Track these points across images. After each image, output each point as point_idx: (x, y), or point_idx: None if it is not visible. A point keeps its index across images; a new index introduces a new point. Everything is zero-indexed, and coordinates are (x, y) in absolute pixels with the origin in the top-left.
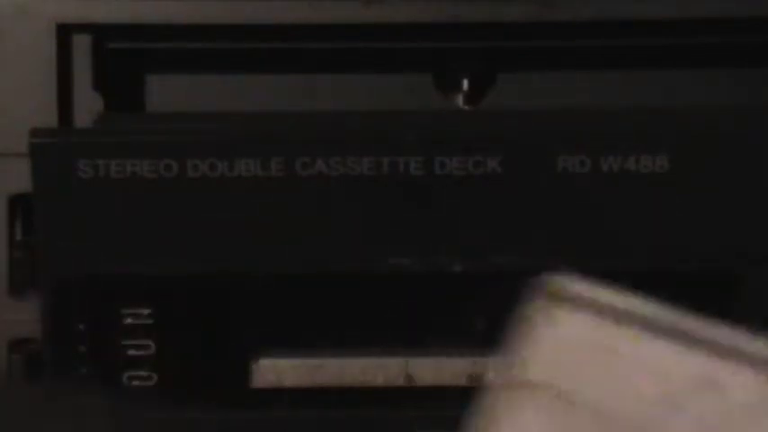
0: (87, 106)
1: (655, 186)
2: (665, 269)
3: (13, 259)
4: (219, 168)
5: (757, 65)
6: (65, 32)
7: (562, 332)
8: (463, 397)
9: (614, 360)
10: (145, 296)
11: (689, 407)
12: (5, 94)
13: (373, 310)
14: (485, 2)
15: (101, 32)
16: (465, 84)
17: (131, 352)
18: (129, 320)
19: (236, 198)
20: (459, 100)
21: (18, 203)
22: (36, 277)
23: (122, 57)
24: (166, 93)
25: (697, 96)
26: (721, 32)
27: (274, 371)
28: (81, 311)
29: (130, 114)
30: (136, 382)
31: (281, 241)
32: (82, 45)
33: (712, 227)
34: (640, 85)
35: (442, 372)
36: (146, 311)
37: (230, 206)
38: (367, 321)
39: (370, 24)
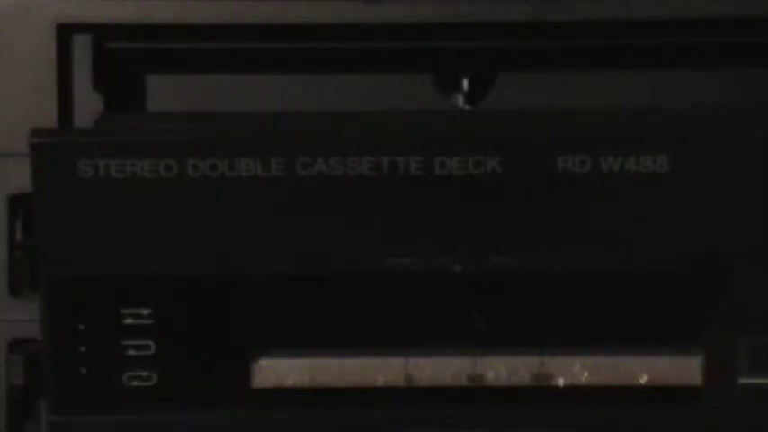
0: (87, 106)
1: (655, 186)
2: (665, 269)
3: (13, 259)
4: (219, 168)
5: (757, 65)
6: (65, 32)
7: None
8: (463, 397)
9: None
10: (145, 296)
11: None
12: (5, 94)
13: (373, 309)
14: (485, 2)
15: (101, 32)
16: (465, 84)
17: (131, 352)
18: (129, 320)
19: (236, 198)
20: (459, 100)
21: (18, 203)
22: (36, 277)
23: (122, 57)
24: (166, 93)
25: (697, 96)
26: (721, 32)
27: (274, 371)
28: (81, 311)
29: (130, 114)
30: (136, 382)
31: (281, 241)
32: (82, 45)
33: (712, 227)
34: (640, 85)
35: (442, 372)
36: (146, 311)
37: (230, 206)
38: (367, 321)
39: (371, 24)
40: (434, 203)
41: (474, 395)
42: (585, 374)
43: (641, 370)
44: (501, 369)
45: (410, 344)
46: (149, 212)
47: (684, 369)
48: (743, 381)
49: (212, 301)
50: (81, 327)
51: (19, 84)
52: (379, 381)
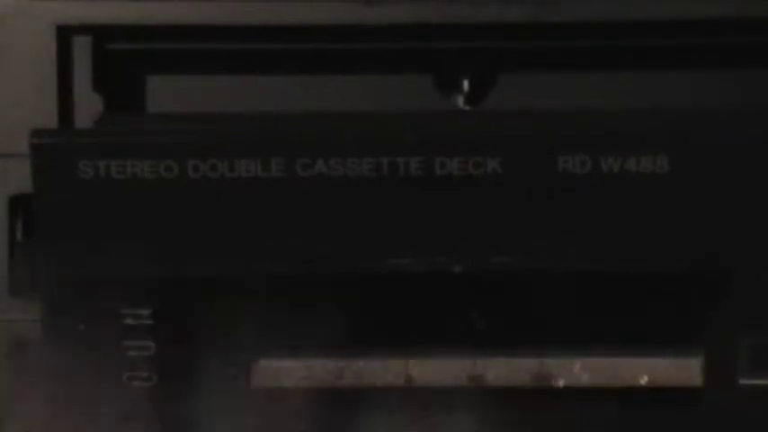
0: (87, 107)
1: (655, 187)
2: (665, 270)
3: (13, 259)
4: (220, 169)
5: (757, 65)
6: (65, 33)
7: None
8: (463, 397)
9: None
10: (145, 296)
11: None
12: (5, 95)
13: (373, 310)
14: (485, 2)
15: (101, 33)
16: (465, 84)
17: (131, 352)
18: (129, 320)
19: (236, 198)
20: (459, 100)
21: (18, 204)
22: (36, 277)
23: (122, 58)
24: (166, 93)
25: (697, 97)
26: (721, 33)
27: (274, 371)
28: (81, 311)
29: (130, 115)
30: (136, 382)
31: (280, 241)
32: (82, 46)
33: (712, 227)
34: (640, 85)
35: (442, 372)
36: (146, 311)
37: (230, 206)
38: (367, 322)
39: (370, 24)
40: (434, 204)
41: (473, 395)
42: (586, 375)
43: (641, 371)
44: (501, 369)
45: (410, 344)
46: (150, 213)
47: (684, 370)
48: (743, 381)
49: (212, 302)
50: (81, 327)
51: (19, 84)
52: (379, 381)
